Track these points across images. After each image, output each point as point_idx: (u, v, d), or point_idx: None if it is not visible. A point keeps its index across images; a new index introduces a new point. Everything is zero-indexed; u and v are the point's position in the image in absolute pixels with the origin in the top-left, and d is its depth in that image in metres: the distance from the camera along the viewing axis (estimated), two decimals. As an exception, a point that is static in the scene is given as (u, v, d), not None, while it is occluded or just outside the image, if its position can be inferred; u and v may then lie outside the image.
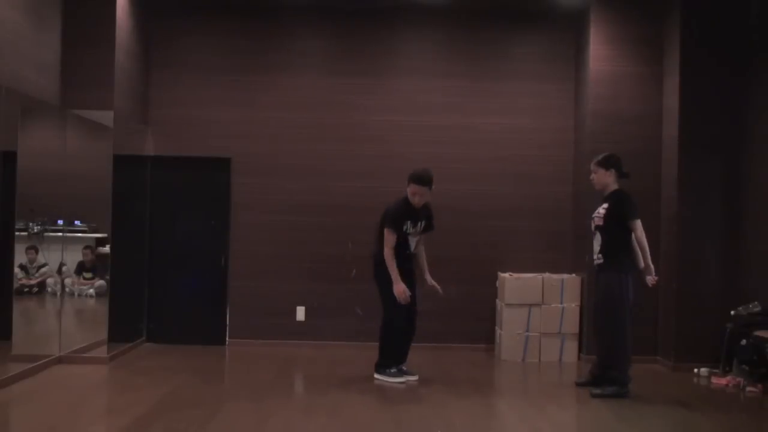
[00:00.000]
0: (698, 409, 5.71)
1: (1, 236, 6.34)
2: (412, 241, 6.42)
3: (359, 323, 7.68)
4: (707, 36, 7.16)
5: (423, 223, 6.43)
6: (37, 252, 6.74)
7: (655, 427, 5.26)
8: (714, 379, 6.60)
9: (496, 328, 7.73)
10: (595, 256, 6.12)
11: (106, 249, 7.05)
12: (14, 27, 6.13)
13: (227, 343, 7.90)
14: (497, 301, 7.78)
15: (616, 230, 6.00)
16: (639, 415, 5.47)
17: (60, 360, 6.65)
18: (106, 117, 6.97)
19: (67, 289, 7.03)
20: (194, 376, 6.41)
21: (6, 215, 6.20)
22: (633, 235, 5.99)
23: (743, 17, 7.15)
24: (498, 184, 7.98)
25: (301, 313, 7.92)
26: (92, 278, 7.34)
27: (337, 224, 7.91)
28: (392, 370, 6.34)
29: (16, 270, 6.51)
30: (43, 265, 6.79)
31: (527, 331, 7.47)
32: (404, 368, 6.41)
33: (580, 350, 7.52)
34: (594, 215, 6.16)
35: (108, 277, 7.08)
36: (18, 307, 6.47)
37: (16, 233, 6.35)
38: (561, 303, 7.49)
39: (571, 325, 7.50)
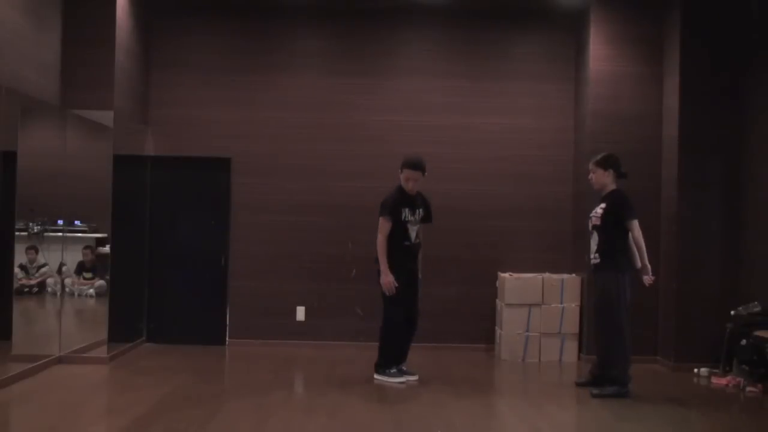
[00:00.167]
0: (698, 409, 5.71)
1: (1, 236, 6.34)
2: (413, 231, 6.38)
3: (359, 323, 7.68)
4: (707, 36, 7.16)
5: (421, 211, 6.43)
6: (37, 252, 6.74)
7: (655, 427, 5.25)
8: (714, 379, 6.60)
9: (496, 328, 7.73)
10: (592, 256, 6.14)
11: (106, 249, 7.05)
12: (14, 27, 6.13)
13: (227, 343, 7.90)
14: (497, 301, 7.78)
15: (614, 230, 6.01)
16: (639, 415, 5.47)
17: (60, 360, 6.66)
18: (106, 117, 6.97)
19: (67, 289, 7.03)
20: (194, 376, 6.41)
21: (6, 215, 6.20)
22: (630, 235, 6.00)
23: (743, 17, 7.15)
24: (498, 184, 7.98)
25: (301, 313, 7.92)
26: (92, 278, 7.34)
27: (337, 224, 7.91)
28: (392, 371, 6.34)
29: (16, 270, 6.51)
30: (43, 265, 6.79)
31: (527, 331, 7.47)
32: (404, 368, 6.41)
33: (580, 350, 7.52)
34: (591, 215, 6.19)
35: (108, 277, 7.08)
36: (18, 307, 6.47)
37: (16, 233, 6.35)
38: (561, 303, 7.49)
39: (571, 325, 7.50)
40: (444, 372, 6.81)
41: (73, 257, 7.20)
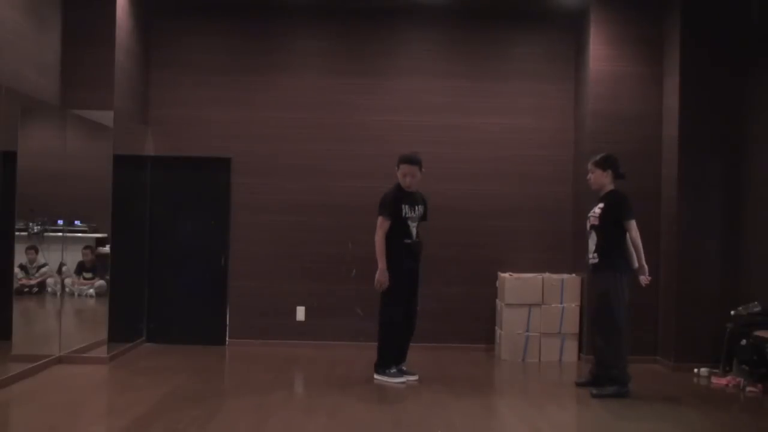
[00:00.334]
0: (698, 409, 5.71)
1: (1, 236, 6.34)
2: (413, 228, 6.38)
3: (359, 323, 7.68)
4: (707, 36, 7.16)
5: (420, 207, 6.43)
6: (37, 252, 6.74)
7: (654, 427, 5.25)
8: (714, 379, 6.60)
9: (496, 328, 7.73)
10: (590, 256, 6.16)
11: (106, 249, 7.05)
12: (14, 27, 6.13)
13: (227, 343, 7.90)
14: (497, 301, 7.78)
15: (612, 230, 6.04)
16: (639, 415, 5.47)
17: (60, 360, 6.66)
18: (106, 117, 6.97)
19: (67, 289, 7.03)
20: (194, 376, 6.41)
21: (6, 215, 6.20)
22: (628, 235, 6.02)
23: (743, 17, 7.15)
24: (498, 184, 7.98)
25: (301, 313, 7.92)
26: (92, 278, 7.34)
27: (337, 224, 7.91)
28: (392, 371, 6.34)
29: (16, 270, 6.51)
30: (43, 265, 6.79)
31: (527, 331, 7.47)
32: (404, 368, 6.40)
33: (580, 350, 7.52)
34: (590, 215, 6.21)
35: (108, 277, 7.08)
36: (18, 307, 6.47)
37: (16, 233, 6.35)
38: (561, 303, 7.49)
39: (571, 325, 7.50)
40: (444, 372, 6.81)
41: (73, 257, 7.20)
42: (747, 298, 6.77)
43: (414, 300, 6.44)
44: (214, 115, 7.95)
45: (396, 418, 5.19)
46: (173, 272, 7.92)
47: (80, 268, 7.32)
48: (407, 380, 6.31)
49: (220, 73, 7.98)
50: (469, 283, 7.90)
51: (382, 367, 6.37)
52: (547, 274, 7.63)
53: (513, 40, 8.07)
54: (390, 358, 6.37)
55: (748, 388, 6.24)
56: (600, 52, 7.52)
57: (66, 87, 6.96)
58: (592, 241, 6.12)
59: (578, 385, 6.31)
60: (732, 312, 6.72)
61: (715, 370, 6.74)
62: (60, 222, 6.88)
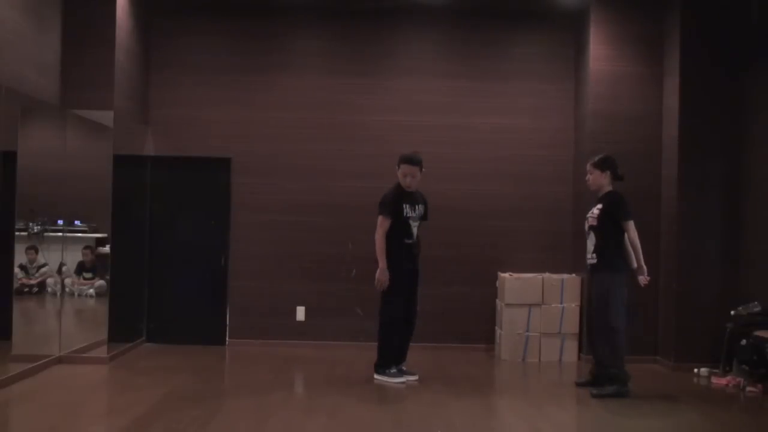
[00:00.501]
0: (698, 409, 5.71)
1: (1, 236, 6.34)
2: (414, 227, 6.38)
3: (359, 323, 7.68)
4: (707, 36, 7.16)
5: (421, 207, 6.43)
6: (37, 252, 6.75)
7: (654, 427, 5.26)
8: (714, 379, 6.60)
9: (496, 328, 7.73)
10: (589, 256, 6.17)
11: (106, 249, 7.05)
12: (14, 27, 6.13)
13: (227, 343, 7.90)
14: (497, 301, 7.78)
15: (610, 230, 6.06)
16: (639, 415, 5.47)
17: (60, 360, 6.65)
18: (106, 117, 6.97)
19: (67, 289, 7.03)
20: (194, 376, 6.41)
21: (6, 215, 6.20)
22: (626, 236, 6.04)
23: (743, 17, 7.15)
24: (498, 184, 7.98)
25: (301, 313, 7.92)
26: (92, 278, 7.34)
27: (337, 224, 7.91)
28: (392, 371, 6.34)
29: (16, 270, 6.51)
30: (43, 265, 6.79)
31: (527, 331, 7.47)
32: (404, 368, 6.40)
33: (580, 350, 7.52)
34: (588, 215, 6.23)
35: (108, 277, 7.08)
36: (18, 307, 6.47)
37: (16, 233, 6.35)
38: (561, 303, 7.49)
39: (571, 325, 7.50)
40: (444, 372, 6.81)
41: (73, 257, 7.20)
42: (747, 298, 6.77)
43: (414, 300, 6.43)
44: (214, 115, 7.95)
45: (396, 418, 5.19)
46: (173, 272, 7.92)
47: (80, 268, 7.32)
48: (407, 380, 6.30)
49: (221, 73, 7.98)
50: (469, 283, 7.90)
51: (382, 367, 6.37)
52: (547, 274, 7.63)
53: (513, 40, 8.07)
54: (390, 358, 6.37)
55: (748, 388, 6.24)
56: (600, 51, 7.52)
57: (66, 87, 6.95)
58: (591, 242, 6.14)
59: (578, 385, 6.32)
60: (732, 312, 6.72)
61: (715, 370, 6.74)
62: (60, 222, 6.88)
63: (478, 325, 7.88)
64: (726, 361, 6.68)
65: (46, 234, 6.76)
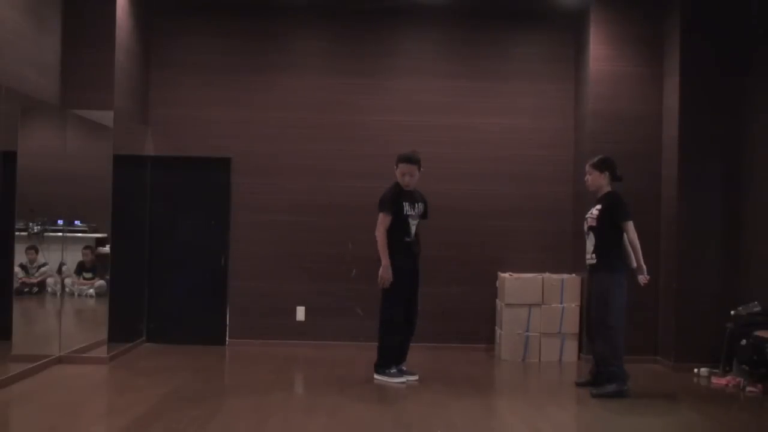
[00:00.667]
0: (698, 409, 5.71)
1: (1, 236, 6.34)
2: (413, 225, 6.38)
3: (359, 323, 7.68)
4: (707, 36, 7.16)
5: (420, 206, 6.43)
6: (37, 252, 6.75)
7: (654, 427, 5.26)
8: (714, 379, 6.60)
9: (496, 328, 7.73)
10: (588, 256, 6.18)
11: (106, 249, 7.05)
12: (14, 27, 6.13)
13: (227, 343, 7.89)
14: (497, 301, 7.78)
15: (609, 231, 6.07)
16: (639, 415, 5.47)
17: (60, 360, 6.65)
18: (106, 117, 6.97)
19: (67, 289, 7.03)
20: (194, 376, 6.41)
21: (6, 215, 6.20)
22: (625, 236, 6.05)
23: (743, 17, 7.15)
24: (498, 184, 7.98)
25: (301, 313, 7.92)
26: (92, 278, 7.34)
27: (337, 224, 7.91)
28: (392, 371, 6.34)
29: (17, 269, 6.51)
30: (44, 265, 6.79)
31: (527, 331, 7.47)
32: (404, 368, 6.40)
33: (580, 350, 7.51)
34: (587, 216, 6.25)
35: (108, 277, 7.08)
36: (18, 307, 6.47)
37: (16, 233, 6.35)
38: (561, 303, 7.49)
39: (571, 325, 7.50)
40: (444, 372, 6.81)
41: (73, 257, 7.20)
42: (747, 298, 6.77)
43: (414, 300, 6.43)
44: (214, 115, 7.95)
45: (396, 418, 5.19)
46: (173, 272, 7.91)
47: (80, 268, 7.32)
48: (407, 380, 6.30)
49: (221, 73, 7.98)
50: (469, 283, 7.90)
51: (382, 367, 6.37)
52: (547, 274, 7.63)
53: (513, 40, 8.07)
54: (390, 357, 6.36)
55: (748, 388, 6.24)
56: (600, 52, 7.52)
57: (66, 87, 6.95)
58: (590, 242, 6.15)
59: (578, 385, 6.32)
60: (732, 312, 6.72)
61: (715, 370, 6.74)
62: (60, 222, 6.88)
63: (478, 325, 7.88)
64: (726, 361, 6.68)
65: (46, 234, 6.76)
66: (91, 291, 7.32)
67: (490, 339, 7.85)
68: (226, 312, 7.92)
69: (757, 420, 5.61)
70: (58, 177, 6.76)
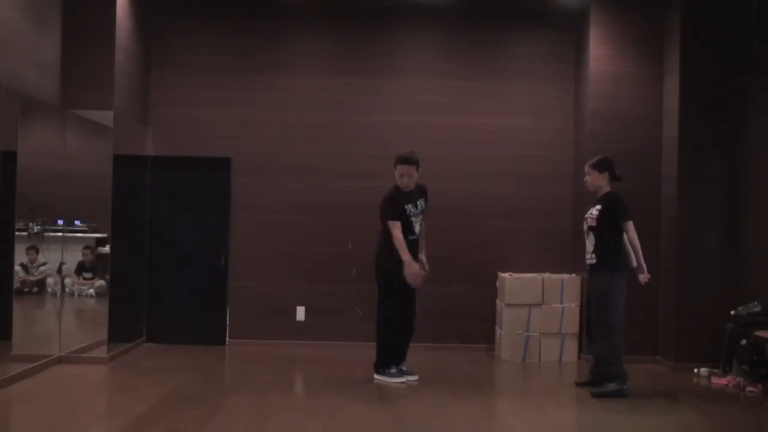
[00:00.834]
0: (698, 409, 5.71)
1: (1, 236, 6.34)
2: (416, 224, 6.36)
3: (359, 323, 7.68)
4: (707, 36, 7.16)
5: (422, 201, 6.42)
6: (37, 252, 6.74)
7: (654, 427, 5.26)
8: (714, 379, 6.60)
9: (496, 328, 7.73)
10: (588, 256, 6.19)
11: (106, 249, 7.05)
12: (14, 27, 6.13)
13: (227, 343, 7.90)
14: (497, 301, 7.78)
15: (609, 231, 6.08)
16: (639, 415, 5.47)
17: (60, 360, 6.65)
18: (106, 117, 6.97)
19: (67, 289, 7.03)
20: (194, 376, 6.41)
21: (6, 215, 6.20)
22: (625, 236, 6.06)
23: (744, 17, 7.15)
24: (498, 184, 7.98)
25: (301, 313, 7.92)
26: (92, 278, 7.34)
27: (337, 224, 7.91)
28: (392, 371, 6.33)
29: (17, 268, 6.51)
30: (44, 264, 6.79)
31: (527, 331, 7.47)
32: (404, 368, 6.40)
33: (580, 350, 7.52)
34: (587, 216, 6.25)
35: (108, 277, 7.08)
36: (18, 307, 6.46)
37: (16, 233, 6.35)
38: (561, 303, 7.49)
39: (571, 325, 7.49)
40: (444, 372, 6.80)
41: (73, 257, 7.20)
42: (747, 298, 6.77)
43: (413, 300, 6.42)
44: (214, 115, 7.95)
45: (396, 418, 5.19)
46: (173, 272, 7.92)
47: (80, 268, 7.32)
48: (407, 380, 6.30)
49: (220, 73, 7.98)
50: (469, 283, 7.90)
51: (382, 367, 6.37)
52: (547, 274, 7.63)
53: (513, 40, 8.07)
54: (389, 356, 6.36)
55: (748, 388, 6.24)
56: (600, 52, 7.52)
57: (66, 87, 6.96)
58: (590, 242, 6.16)
59: (578, 385, 6.32)
60: (732, 312, 6.72)
61: (715, 370, 6.74)
62: (60, 222, 6.88)
63: (478, 325, 7.88)
64: (726, 361, 6.68)
65: (46, 234, 6.76)
66: (91, 291, 7.32)
67: (490, 339, 7.85)
68: (226, 312, 7.92)
69: (757, 420, 5.62)
70: (58, 177, 6.76)
